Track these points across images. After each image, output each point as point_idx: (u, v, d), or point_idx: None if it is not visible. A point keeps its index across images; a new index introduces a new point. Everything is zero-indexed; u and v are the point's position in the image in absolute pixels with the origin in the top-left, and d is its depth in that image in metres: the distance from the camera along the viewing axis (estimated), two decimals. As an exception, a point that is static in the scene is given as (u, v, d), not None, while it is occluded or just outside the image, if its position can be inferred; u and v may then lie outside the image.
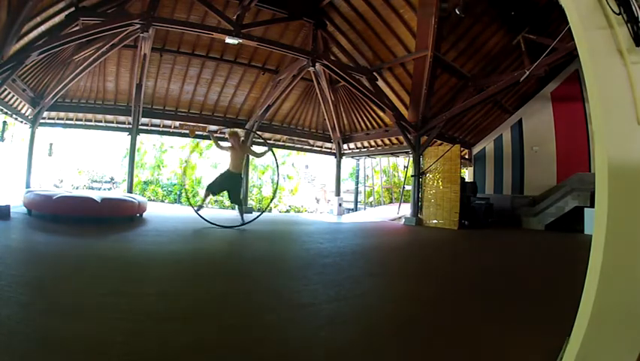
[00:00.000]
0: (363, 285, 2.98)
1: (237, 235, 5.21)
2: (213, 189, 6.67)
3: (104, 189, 15.22)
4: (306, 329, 1.91)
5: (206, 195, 6.79)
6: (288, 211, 18.74)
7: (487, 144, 11.82)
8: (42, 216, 5.57)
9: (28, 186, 8.46)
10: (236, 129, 7.14)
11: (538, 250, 5.82)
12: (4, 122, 9.33)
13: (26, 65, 6.84)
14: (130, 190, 9.33)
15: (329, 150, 13.58)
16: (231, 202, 7.53)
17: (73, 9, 6.77)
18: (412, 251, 5.46)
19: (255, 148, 8.94)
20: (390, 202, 16.95)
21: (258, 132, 10.76)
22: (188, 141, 17.38)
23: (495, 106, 10.63)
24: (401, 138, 9.70)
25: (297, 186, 20.06)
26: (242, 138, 6.98)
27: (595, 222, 1.09)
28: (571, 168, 9.48)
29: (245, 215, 6.67)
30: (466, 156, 11.85)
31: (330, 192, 18.38)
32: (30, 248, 3.62)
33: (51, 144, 11.28)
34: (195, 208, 6.44)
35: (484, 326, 2.06)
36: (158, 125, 10.79)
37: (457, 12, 6.76)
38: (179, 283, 2.76)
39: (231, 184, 6.58)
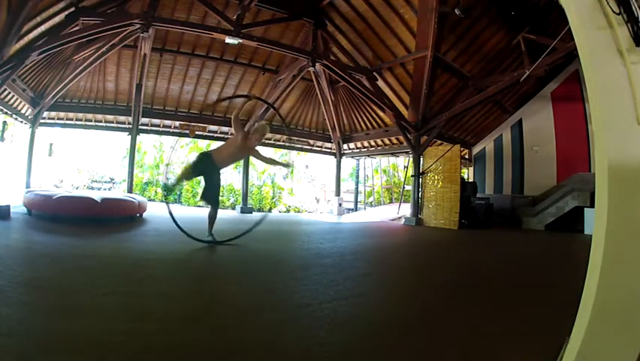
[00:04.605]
0: (363, 285, 2.98)
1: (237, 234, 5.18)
2: (191, 170, 4.79)
3: (104, 189, 15.21)
4: (306, 328, 1.91)
5: (180, 178, 5.04)
6: (287, 211, 18.73)
7: (487, 144, 11.82)
8: (42, 216, 5.58)
9: (28, 186, 8.46)
10: (263, 123, 4.91)
11: (538, 250, 5.82)
12: (4, 122, 9.33)
13: (26, 65, 6.84)
14: (130, 190, 9.33)
15: (329, 150, 13.58)
16: (202, 198, 4.95)
17: (73, 9, 6.77)
18: (412, 251, 5.46)
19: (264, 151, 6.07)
20: (390, 202, 16.95)
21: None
22: (188, 141, 17.36)
23: (495, 106, 10.64)
24: (401, 137, 9.71)
25: (291, 189, 19.96)
26: (251, 129, 4.81)
27: (595, 222, 1.09)
28: (571, 168, 9.48)
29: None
30: (466, 156, 11.85)
31: (330, 192, 18.37)
32: (30, 248, 3.61)
33: (51, 144, 11.28)
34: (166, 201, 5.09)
35: (485, 326, 2.06)
36: (158, 125, 10.79)
37: (457, 12, 6.76)
38: (179, 283, 2.76)
39: (211, 173, 4.59)
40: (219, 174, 4.68)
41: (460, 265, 4.31)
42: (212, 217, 4.60)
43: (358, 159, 15.25)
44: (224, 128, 11.47)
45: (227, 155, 4.64)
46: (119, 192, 11.47)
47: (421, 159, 8.96)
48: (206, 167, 4.53)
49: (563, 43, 6.04)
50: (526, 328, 2.01)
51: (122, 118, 10.10)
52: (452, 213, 8.18)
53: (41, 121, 9.06)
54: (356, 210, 15.46)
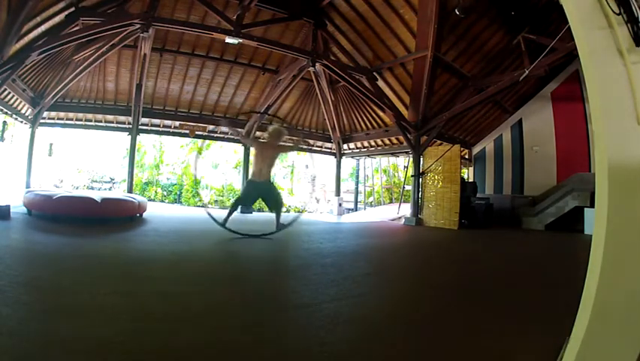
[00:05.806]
0: (363, 285, 2.98)
1: (237, 235, 5.21)
2: (243, 202, 6.31)
3: (104, 189, 15.20)
4: (306, 328, 1.91)
5: (231, 211, 5.65)
6: (287, 211, 18.72)
7: (487, 144, 11.81)
8: (42, 216, 5.58)
9: (28, 186, 8.46)
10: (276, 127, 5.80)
11: (538, 250, 5.82)
12: (4, 122, 9.34)
13: (26, 65, 6.84)
14: (130, 190, 9.33)
15: (329, 150, 13.58)
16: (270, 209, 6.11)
17: (73, 9, 6.77)
18: (412, 251, 5.46)
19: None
20: (390, 202, 16.94)
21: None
22: (188, 141, 17.35)
23: (495, 106, 10.63)
24: (401, 137, 9.70)
25: (291, 190, 19.97)
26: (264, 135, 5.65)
27: (595, 222, 1.09)
28: (571, 168, 9.48)
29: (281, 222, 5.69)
30: (466, 156, 11.85)
31: (330, 192, 18.36)
32: (30, 248, 3.61)
33: (51, 144, 11.28)
34: (220, 223, 5.35)
35: (485, 326, 2.06)
36: (158, 125, 10.79)
37: (457, 12, 6.75)
38: (180, 283, 2.76)
39: (262, 191, 5.71)
40: (248, 185, 5.85)
41: (460, 265, 4.31)
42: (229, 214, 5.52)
43: (358, 159, 15.25)
44: (224, 129, 11.47)
45: (258, 168, 5.48)
46: (119, 192, 11.47)
47: (421, 159, 8.96)
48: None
49: (562, 43, 6.03)
50: (526, 328, 2.01)
51: (122, 118, 10.10)
52: (452, 213, 8.17)
53: (41, 121, 9.07)
54: (356, 210, 15.46)
